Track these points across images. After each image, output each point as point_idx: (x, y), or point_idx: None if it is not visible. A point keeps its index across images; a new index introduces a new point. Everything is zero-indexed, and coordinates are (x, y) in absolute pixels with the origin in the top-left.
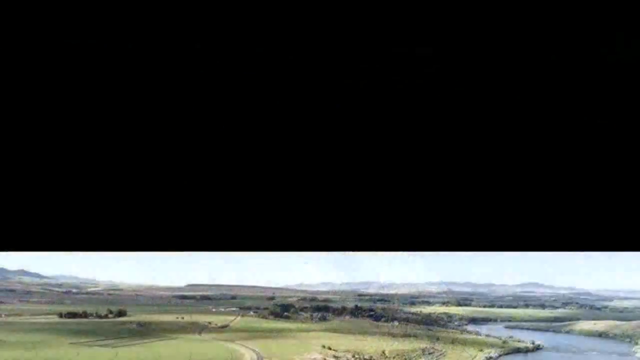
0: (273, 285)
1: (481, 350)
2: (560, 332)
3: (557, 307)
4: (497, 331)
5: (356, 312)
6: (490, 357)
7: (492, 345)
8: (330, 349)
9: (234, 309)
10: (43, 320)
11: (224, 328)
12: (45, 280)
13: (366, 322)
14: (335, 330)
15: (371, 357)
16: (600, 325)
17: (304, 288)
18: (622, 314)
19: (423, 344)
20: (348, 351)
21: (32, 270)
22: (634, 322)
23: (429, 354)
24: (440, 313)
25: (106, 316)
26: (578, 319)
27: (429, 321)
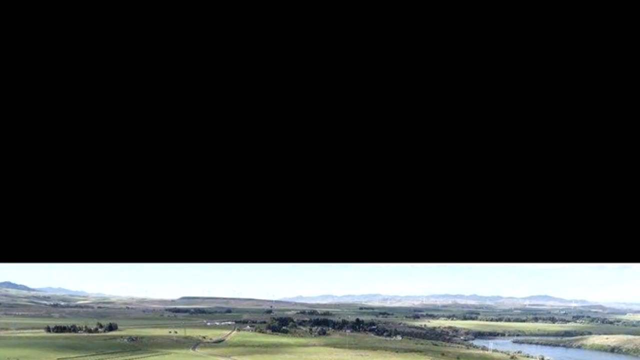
0: (270, 298)
1: None
2: (571, 346)
3: (567, 321)
4: (505, 346)
5: (357, 325)
6: None
7: None
8: None
9: (229, 322)
10: (30, 334)
11: (219, 343)
12: (33, 292)
13: (368, 337)
14: (335, 345)
15: None
16: (612, 339)
17: (302, 301)
18: (636, 328)
19: None
20: None
21: (19, 282)
22: None
23: None
24: (446, 327)
25: (96, 330)
26: (590, 333)
27: (434, 335)
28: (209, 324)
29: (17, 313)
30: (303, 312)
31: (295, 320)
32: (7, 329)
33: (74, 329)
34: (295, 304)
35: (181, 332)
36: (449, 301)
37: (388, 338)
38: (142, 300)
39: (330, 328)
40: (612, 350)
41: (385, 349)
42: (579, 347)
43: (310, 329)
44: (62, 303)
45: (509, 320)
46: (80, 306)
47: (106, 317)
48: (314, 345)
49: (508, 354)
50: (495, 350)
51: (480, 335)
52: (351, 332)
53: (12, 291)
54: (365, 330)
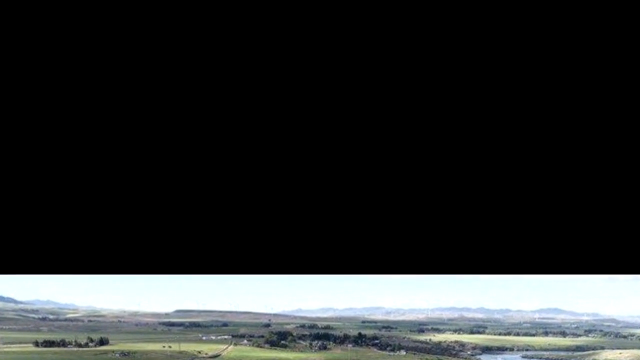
0: (269, 311)
1: None
2: None
3: (579, 335)
4: None
5: (360, 340)
6: None
7: None
8: None
9: (226, 337)
10: (17, 349)
11: (215, 358)
12: (20, 305)
13: (371, 351)
14: None
15: None
16: (626, 354)
17: (302, 314)
18: None
19: None
20: None
21: (5, 294)
22: None
23: None
24: (452, 341)
25: (86, 345)
26: (602, 348)
27: (439, 350)
28: (204, 338)
29: (3, 327)
30: (303, 326)
31: (294, 334)
32: None
33: (63, 343)
34: (295, 317)
35: (175, 347)
36: (455, 314)
37: (391, 353)
38: (135, 314)
39: (331, 342)
40: None
41: None
42: None
43: (311, 344)
44: (51, 316)
45: (517, 334)
46: (70, 320)
47: (97, 331)
48: None
49: None
50: None
51: (488, 350)
52: (353, 346)
53: None
54: (367, 344)
